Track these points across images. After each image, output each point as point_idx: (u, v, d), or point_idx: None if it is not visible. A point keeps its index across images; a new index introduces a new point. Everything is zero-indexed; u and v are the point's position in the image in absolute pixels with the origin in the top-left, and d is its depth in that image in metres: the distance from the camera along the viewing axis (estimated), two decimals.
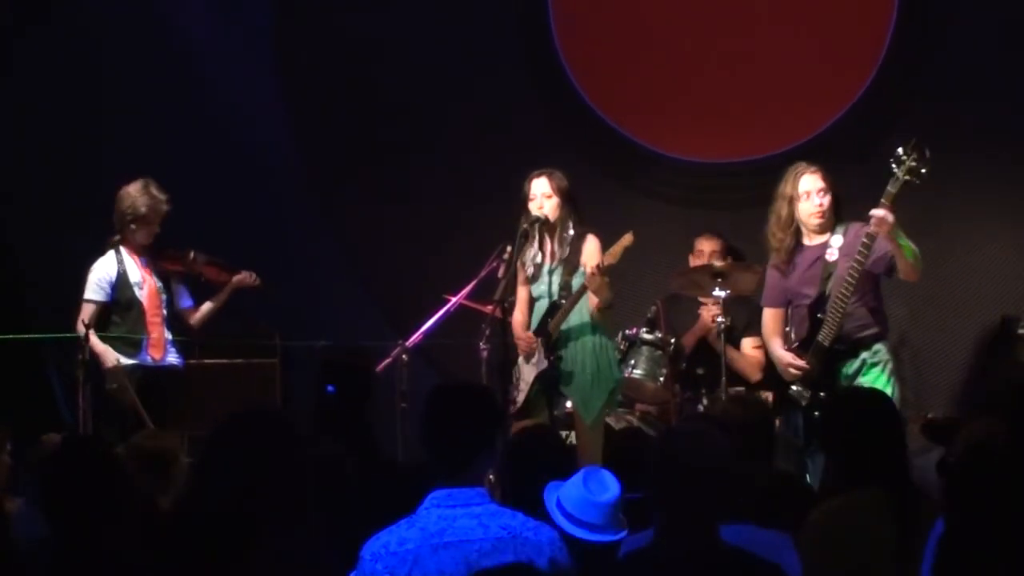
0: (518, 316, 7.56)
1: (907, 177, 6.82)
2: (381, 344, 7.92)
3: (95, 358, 7.73)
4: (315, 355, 7.70)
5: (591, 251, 7.44)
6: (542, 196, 7.43)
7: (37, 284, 9.20)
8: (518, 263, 7.48)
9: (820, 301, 7.05)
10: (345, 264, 9.53)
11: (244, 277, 8.12)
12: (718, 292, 7.91)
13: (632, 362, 8.17)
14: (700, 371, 8.27)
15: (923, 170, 6.82)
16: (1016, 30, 8.61)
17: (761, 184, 8.88)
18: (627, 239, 7.42)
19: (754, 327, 8.17)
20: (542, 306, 7.54)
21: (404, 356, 7.76)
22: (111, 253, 7.93)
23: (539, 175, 7.47)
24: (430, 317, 7.74)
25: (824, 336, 6.97)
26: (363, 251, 9.51)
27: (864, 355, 7.02)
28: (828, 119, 8.89)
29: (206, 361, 8.44)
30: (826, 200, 7.11)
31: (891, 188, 6.82)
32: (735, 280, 8.10)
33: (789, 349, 7.15)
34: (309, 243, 9.45)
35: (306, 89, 9.55)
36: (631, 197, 9.00)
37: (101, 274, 7.88)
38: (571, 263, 7.46)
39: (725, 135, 9.01)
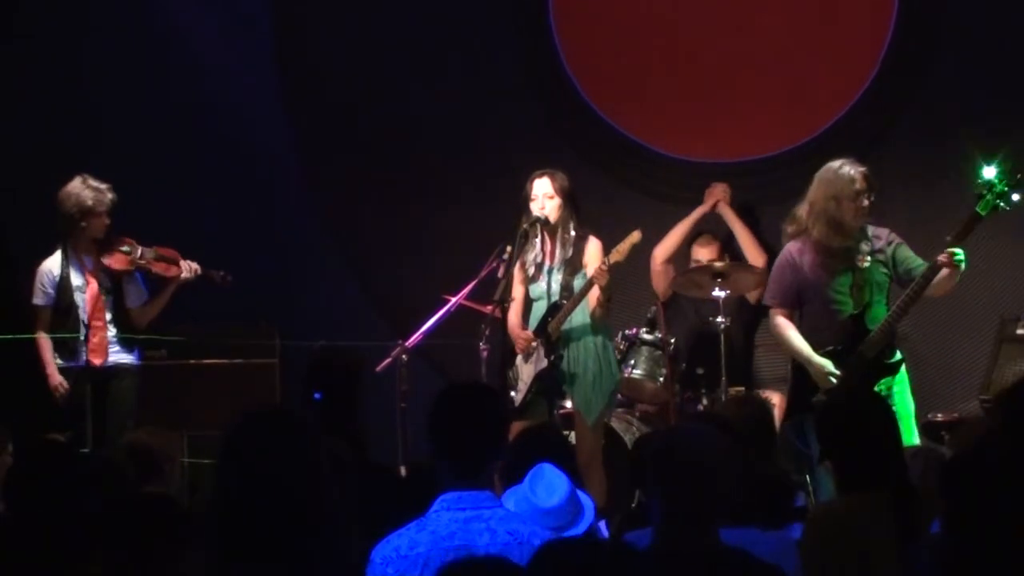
0: (512, 316, 7.55)
1: (999, 202, 6.64)
2: (381, 344, 7.91)
3: (42, 367, 7.74)
4: (314, 355, 7.69)
5: (594, 254, 7.44)
6: (544, 196, 7.43)
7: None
8: (517, 263, 7.47)
9: (866, 310, 6.88)
10: (345, 264, 9.52)
11: (188, 274, 7.90)
12: (718, 292, 7.92)
13: (632, 362, 8.18)
14: (700, 371, 8.27)
15: (1015, 196, 6.62)
16: (1016, 29, 8.61)
17: (761, 184, 8.91)
18: (635, 237, 7.42)
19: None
20: (541, 306, 7.53)
21: (404, 356, 7.75)
22: (57, 254, 7.89)
23: (541, 175, 7.46)
24: (430, 317, 7.73)
25: (868, 347, 6.82)
26: (363, 251, 9.51)
27: (902, 369, 6.94)
28: (828, 119, 8.88)
29: (205, 361, 8.43)
30: (868, 202, 6.89)
31: (981, 211, 6.66)
32: (735, 280, 8.11)
33: (823, 355, 6.90)
34: (309, 243, 9.44)
35: (305, 91, 9.55)
36: (631, 197, 8.99)
37: (43, 276, 7.88)
38: (573, 264, 7.45)
39: (725, 135, 9.01)
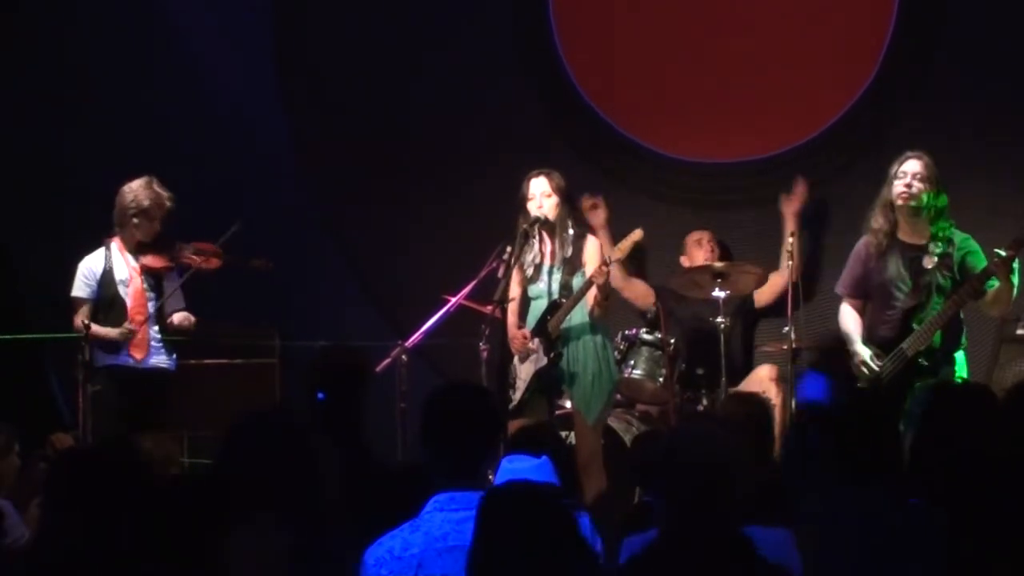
0: (511, 316, 7.55)
1: None
2: (381, 344, 7.91)
3: (105, 340, 7.67)
4: (314, 355, 7.68)
5: (593, 252, 7.45)
6: (541, 196, 7.43)
7: (37, 285, 9.19)
8: (517, 263, 7.47)
9: (916, 309, 6.93)
10: (345, 264, 9.52)
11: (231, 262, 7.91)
12: (718, 293, 7.92)
13: (632, 362, 8.17)
14: (700, 371, 8.27)
15: None
16: (1016, 29, 8.60)
17: (761, 184, 8.90)
18: (637, 235, 7.43)
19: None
20: (540, 305, 7.53)
21: (404, 356, 7.75)
22: (100, 249, 7.84)
23: (538, 175, 7.47)
24: (430, 317, 7.73)
25: (910, 346, 6.85)
26: (363, 251, 9.51)
27: (945, 371, 6.90)
28: (829, 119, 8.87)
29: (205, 361, 8.42)
30: (918, 186, 6.92)
31: None
32: (735, 280, 8.11)
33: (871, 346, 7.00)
34: (309, 243, 9.44)
35: (305, 91, 9.55)
36: (631, 197, 8.99)
37: (85, 270, 7.81)
38: (572, 263, 7.46)
39: (725, 135, 9.00)
